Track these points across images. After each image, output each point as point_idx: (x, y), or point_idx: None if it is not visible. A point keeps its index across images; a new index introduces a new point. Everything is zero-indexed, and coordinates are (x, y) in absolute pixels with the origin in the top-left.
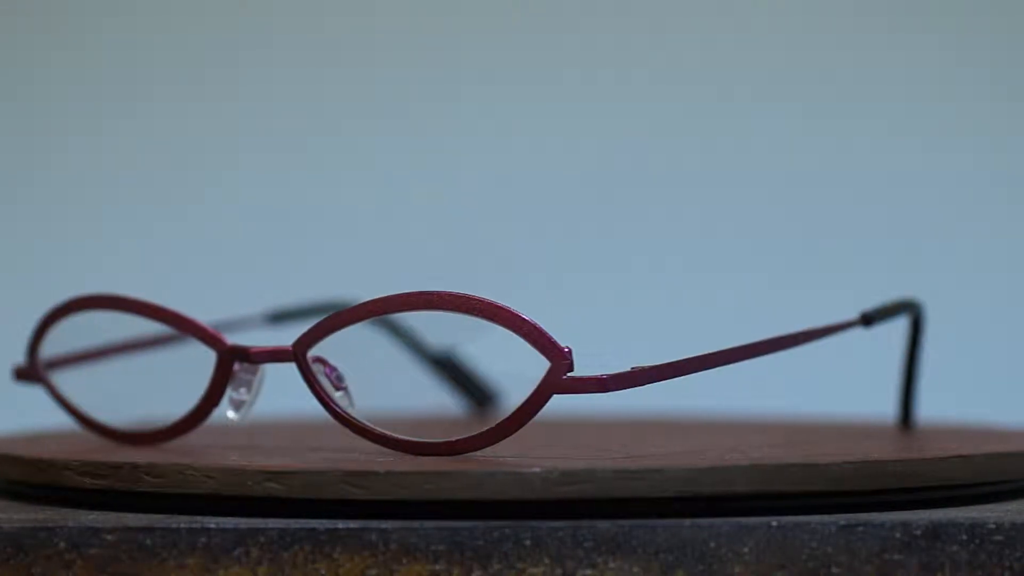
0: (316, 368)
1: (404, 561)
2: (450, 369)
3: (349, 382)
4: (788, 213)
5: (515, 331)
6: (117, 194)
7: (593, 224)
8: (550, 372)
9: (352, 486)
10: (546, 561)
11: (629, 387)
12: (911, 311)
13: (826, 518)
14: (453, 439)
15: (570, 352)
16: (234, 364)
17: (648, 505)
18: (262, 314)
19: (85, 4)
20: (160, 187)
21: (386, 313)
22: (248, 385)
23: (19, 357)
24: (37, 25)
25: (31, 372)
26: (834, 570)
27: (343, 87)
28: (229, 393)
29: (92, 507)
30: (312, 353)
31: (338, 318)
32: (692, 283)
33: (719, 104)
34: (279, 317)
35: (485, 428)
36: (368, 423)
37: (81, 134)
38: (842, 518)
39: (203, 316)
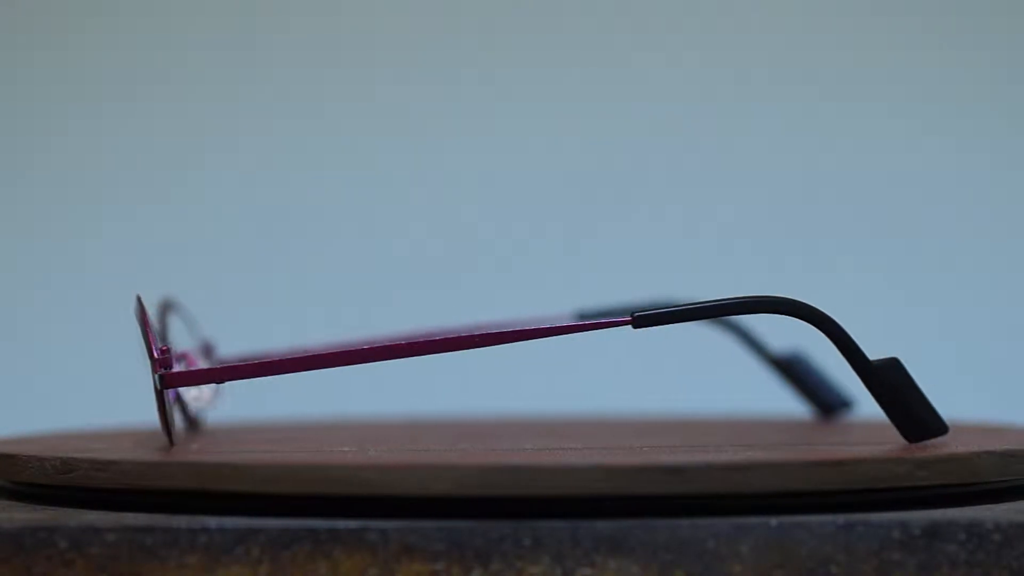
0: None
1: (404, 560)
2: (794, 373)
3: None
4: (788, 213)
5: (141, 329)
6: (116, 193)
7: (591, 223)
8: (153, 371)
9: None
10: (546, 560)
11: (224, 380)
12: (802, 313)
13: (825, 518)
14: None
15: (165, 351)
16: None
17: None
18: (570, 314)
19: (82, 4)
20: (158, 186)
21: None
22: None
23: (18, 357)
24: (37, 25)
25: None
26: (833, 569)
27: (343, 87)
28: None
29: (92, 507)
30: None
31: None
32: (692, 283)
33: (713, 104)
34: (584, 319)
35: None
36: (170, 420)
37: (78, 133)
38: (841, 518)
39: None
